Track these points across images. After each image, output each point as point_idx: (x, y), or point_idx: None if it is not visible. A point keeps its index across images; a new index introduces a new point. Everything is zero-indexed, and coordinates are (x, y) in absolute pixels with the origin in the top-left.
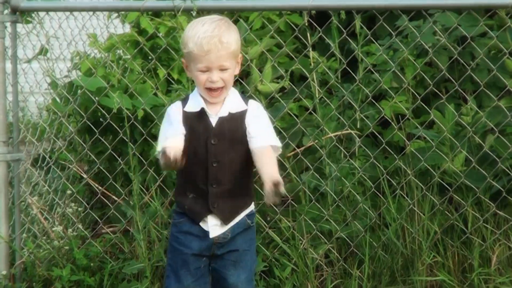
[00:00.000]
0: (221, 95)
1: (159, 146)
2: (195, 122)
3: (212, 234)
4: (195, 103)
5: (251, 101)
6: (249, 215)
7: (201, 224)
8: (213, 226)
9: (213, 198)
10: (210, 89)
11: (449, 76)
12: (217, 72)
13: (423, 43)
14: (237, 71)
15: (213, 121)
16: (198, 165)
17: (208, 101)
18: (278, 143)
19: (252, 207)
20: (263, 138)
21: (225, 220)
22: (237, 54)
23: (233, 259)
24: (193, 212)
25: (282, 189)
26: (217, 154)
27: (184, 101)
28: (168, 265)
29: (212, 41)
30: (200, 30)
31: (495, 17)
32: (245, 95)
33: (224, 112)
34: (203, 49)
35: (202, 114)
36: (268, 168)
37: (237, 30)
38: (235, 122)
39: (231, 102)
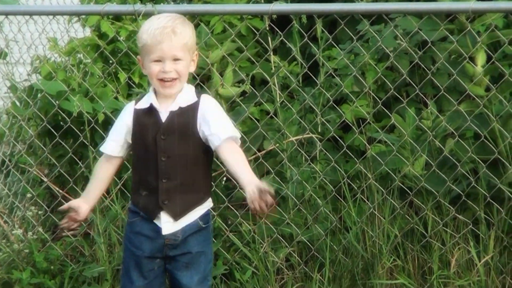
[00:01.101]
0: (174, 87)
1: (103, 146)
2: (145, 118)
3: (164, 231)
4: (146, 100)
5: (203, 95)
6: (202, 216)
7: (155, 221)
8: (166, 223)
9: (164, 194)
10: (162, 80)
11: (410, 81)
12: (170, 63)
13: (384, 48)
14: (192, 68)
15: (163, 116)
16: (148, 160)
17: (161, 95)
18: (236, 133)
19: (207, 205)
20: (221, 132)
21: (175, 216)
22: (191, 49)
23: (185, 261)
24: (147, 210)
25: (269, 197)
26: (167, 149)
27: (139, 99)
28: (122, 263)
29: (165, 31)
30: (154, 22)
31: (456, 21)
32: (199, 91)
33: (174, 107)
34: (156, 39)
35: (151, 110)
36: (243, 172)
37: (193, 28)
38: (185, 116)
39: (183, 97)
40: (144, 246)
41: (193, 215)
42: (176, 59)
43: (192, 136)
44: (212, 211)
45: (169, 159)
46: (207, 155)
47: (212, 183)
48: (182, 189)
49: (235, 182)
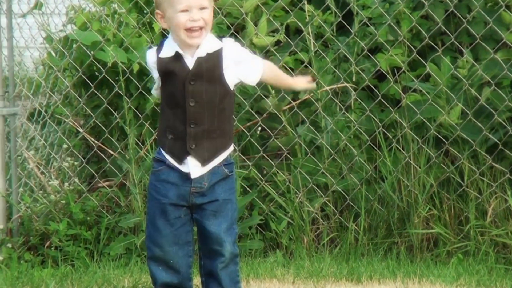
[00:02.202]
0: (201, 35)
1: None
2: (171, 65)
3: (193, 175)
4: (169, 48)
5: (225, 39)
6: (227, 165)
7: (182, 166)
8: (194, 167)
9: (191, 139)
10: (190, 30)
11: (445, 29)
12: (197, 11)
13: None
14: (212, 8)
15: (190, 62)
16: (177, 106)
17: (187, 43)
18: (265, 60)
19: (230, 151)
20: (256, 66)
21: (203, 161)
22: None
23: (213, 209)
24: (173, 154)
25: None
26: (195, 94)
27: (159, 48)
28: (147, 214)
29: None
30: None
31: None
32: (220, 35)
33: (201, 53)
34: None
35: (177, 58)
36: (285, 80)
37: None
38: (212, 61)
39: (207, 42)
40: (170, 193)
41: (219, 159)
42: (202, 8)
43: (219, 81)
44: (248, 161)
45: (197, 104)
46: (231, 100)
47: (246, 131)
48: (209, 134)
49: (269, 132)
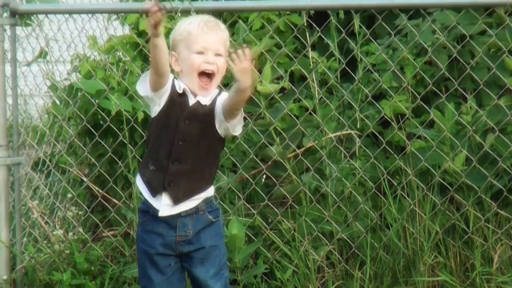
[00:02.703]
0: (212, 85)
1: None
2: (176, 99)
3: (161, 213)
4: (180, 85)
5: (223, 93)
6: (211, 211)
7: (153, 201)
8: (165, 206)
9: (171, 176)
10: (203, 74)
11: (449, 75)
12: (213, 56)
13: (422, 42)
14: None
15: (191, 102)
16: (166, 139)
17: (196, 90)
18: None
19: (207, 195)
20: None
21: (176, 200)
22: (227, 51)
23: (200, 257)
24: (150, 185)
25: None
26: (185, 133)
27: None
28: (138, 266)
29: (211, 24)
30: (197, 18)
31: (494, 15)
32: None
33: (201, 98)
34: (202, 30)
35: (183, 94)
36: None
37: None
38: (209, 108)
39: (211, 94)
40: (156, 243)
41: (192, 203)
42: (218, 54)
43: (210, 128)
44: (252, 209)
45: (184, 144)
46: (218, 148)
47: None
48: (189, 174)
49: (274, 180)
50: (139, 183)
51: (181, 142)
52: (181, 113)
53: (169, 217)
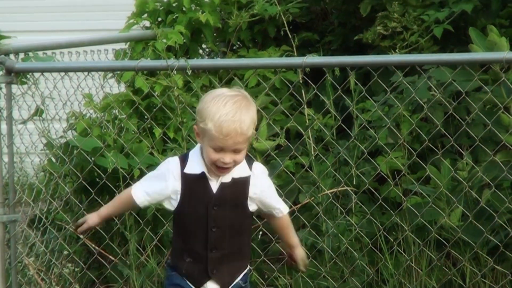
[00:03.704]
0: (229, 171)
1: (136, 191)
2: (195, 184)
3: None
4: (196, 165)
5: (255, 165)
6: (242, 276)
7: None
8: None
9: (213, 264)
10: (218, 167)
11: (445, 132)
12: (230, 154)
13: (418, 99)
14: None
15: (214, 186)
16: (197, 229)
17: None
18: (286, 206)
19: (248, 267)
20: (282, 208)
21: (224, 285)
22: (252, 135)
23: None
24: (192, 277)
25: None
26: (217, 220)
27: (184, 160)
28: None
29: (232, 127)
30: (221, 110)
31: (490, 71)
32: (250, 158)
33: (227, 178)
34: (222, 133)
35: (203, 178)
36: (292, 238)
37: (255, 107)
38: (237, 187)
39: (235, 168)
40: None
41: (237, 280)
42: (236, 150)
43: (241, 208)
44: (249, 265)
45: (219, 229)
46: (250, 222)
47: None
48: (229, 257)
49: (271, 236)
50: (175, 277)
51: (215, 229)
52: (208, 200)
53: None
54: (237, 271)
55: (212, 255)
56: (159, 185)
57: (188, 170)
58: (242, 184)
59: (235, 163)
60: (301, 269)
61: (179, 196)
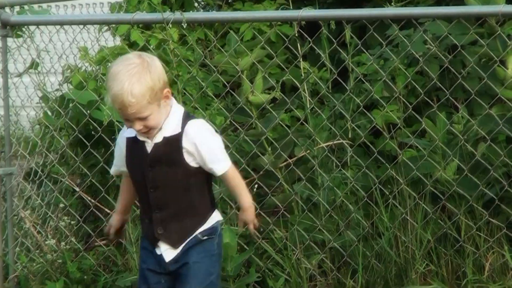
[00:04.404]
0: (153, 133)
1: (112, 168)
2: (134, 148)
3: (166, 258)
4: (132, 129)
5: (189, 123)
6: (202, 231)
7: (156, 249)
8: (166, 251)
9: (157, 224)
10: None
11: (440, 85)
12: (138, 122)
13: (414, 52)
14: (166, 103)
15: (149, 147)
16: (141, 191)
17: None
18: (227, 164)
19: (208, 225)
20: (216, 168)
21: (174, 244)
22: (157, 97)
23: (183, 273)
24: (147, 237)
25: (251, 229)
26: (155, 180)
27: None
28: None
29: (120, 100)
30: (112, 84)
31: (485, 25)
32: (188, 114)
33: (158, 138)
34: (115, 106)
35: (138, 141)
36: (239, 197)
37: (156, 68)
38: (170, 146)
39: (169, 125)
40: (148, 260)
41: (194, 234)
42: (141, 118)
43: (179, 165)
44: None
45: (157, 190)
46: (200, 177)
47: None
48: (177, 216)
49: (266, 189)
50: (143, 240)
51: (153, 189)
52: (143, 161)
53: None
54: (191, 228)
55: (156, 216)
56: (117, 152)
57: (127, 134)
58: (174, 142)
59: (149, 127)
60: (240, 230)
61: (125, 156)
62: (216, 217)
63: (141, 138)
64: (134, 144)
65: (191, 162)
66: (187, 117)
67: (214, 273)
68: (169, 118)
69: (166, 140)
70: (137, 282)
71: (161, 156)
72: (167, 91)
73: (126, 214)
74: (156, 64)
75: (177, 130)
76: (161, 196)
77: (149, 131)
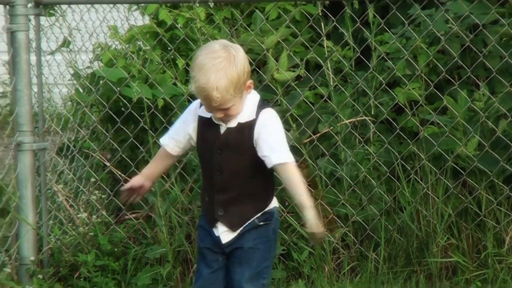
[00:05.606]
0: (230, 121)
1: (164, 140)
2: (206, 127)
3: (223, 240)
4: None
5: (263, 111)
6: (259, 216)
7: (213, 230)
8: (224, 232)
9: (219, 206)
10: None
11: (462, 63)
12: (220, 111)
13: (436, 31)
14: (248, 91)
15: (222, 130)
16: (206, 172)
17: None
18: (287, 156)
19: (269, 208)
20: (269, 157)
21: (232, 227)
22: (240, 89)
23: (238, 257)
24: (206, 217)
25: (320, 236)
26: (222, 163)
27: (201, 103)
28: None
29: (206, 93)
30: (198, 76)
31: (506, 5)
32: (264, 102)
33: (233, 123)
34: (200, 96)
35: (212, 122)
36: (297, 196)
37: (241, 60)
38: (242, 132)
39: (244, 111)
40: (206, 239)
41: (252, 219)
42: (223, 109)
43: (248, 152)
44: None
45: (224, 173)
46: (263, 166)
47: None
48: (239, 200)
49: None
50: (201, 219)
51: (219, 173)
52: (213, 143)
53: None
54: (250, 213)
55: (218, 197)
56: (181, 127)
57: (201, 113)
58: (247, 129)
59: (230, 116)
60: (312, 237)
61: (195, 135)
62: (274, 203)
63: (216, 121)
64: (207, 125)
65: (259, 149)
66: (262, 105)
67: (269, 259)
68: (244, 107)
69: (240, 126)
70: (165, 255)
71: (232, 141)
72: (250, 82)
73: (148, 181)
74: (240, 56)
75: (252, 116)
76: (226, 180)
77: (228, 117)
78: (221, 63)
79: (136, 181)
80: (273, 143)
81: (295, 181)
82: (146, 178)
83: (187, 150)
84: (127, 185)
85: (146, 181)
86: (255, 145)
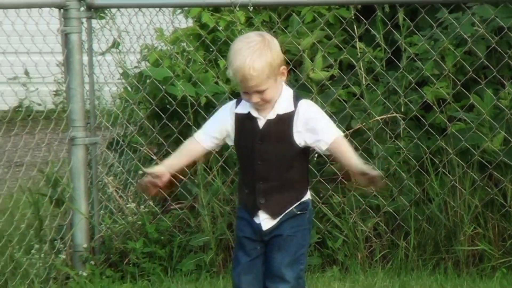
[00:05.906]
0: (266, 109)
1: (199, 135)
2: (244, 122)
3: (264, 227)
4: (244, 106)
5: (301, 102)
6: (297, 206)
7: (254, 218)
8: (265, 220)
9: (260, 195)
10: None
11: (488, 63)
12: (256, 95)
13: (463, 33)
14: (282, 79)
15: (261, 123)
16: (247, 163)
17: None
18: (337, 131)
19: (304, 198)
20: (324, 140)
21: (273, 215)
22: (275, 72)
23: (277, 244)
24: (248, 208)
25: (372, 175)
26: (263, 154)
27: (238, 102)
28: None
29: (242, 73)
30: (235, 58)
31: None
32: (297, 94)
33: (272, 115)
34: (237, 78)
35: (250, 117)
36: (348, 160)
37: (275, 46)
38: (282, 124)
39: (281, 103)
40: (245, 228)
41: (291, 207)
42: (259, 91)
43: (288, 142)
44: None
45: (264, 163)
46: (303, 156)
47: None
48: (279, 189)
49: (325, 158)
50: (240, 210)
51: (261, 162)
52: (254, 135)
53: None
54: (289, 201)
55: (260, 186)
56: (218, 125)
57: (238, 110)
58: (286, 120)
59: (265, 101)
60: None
61: (233, 132)
62: (308, 195)
63: (254, 114)
64: (246, 120)
65: (299, 139)
66: (297, 97)
67: (305, 246)
68: (281, 97)
69: (279, 117)
70: (208, 243)
71: (272, 132)
72: (283, 68)
73: (169, 173)
74: (275, 43)
75: (290, 108)
76: (267, 169)
77: (264, 104)
78: (256, 45)
79: (159, 169)
80: (323, 126)
81: (347, 149)
82: (167, 168)
83: (218, 147)
84: (149, 170)
85: (167, 170)
86: (295, 136)
